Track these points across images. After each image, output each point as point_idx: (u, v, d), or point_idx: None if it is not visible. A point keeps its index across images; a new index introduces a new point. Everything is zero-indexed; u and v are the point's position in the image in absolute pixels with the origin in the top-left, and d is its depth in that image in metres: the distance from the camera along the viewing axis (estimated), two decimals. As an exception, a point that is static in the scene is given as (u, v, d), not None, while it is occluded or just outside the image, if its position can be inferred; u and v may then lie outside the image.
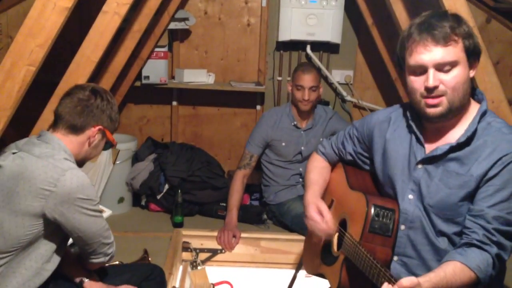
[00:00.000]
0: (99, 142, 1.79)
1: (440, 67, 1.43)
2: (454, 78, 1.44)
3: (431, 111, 1.47)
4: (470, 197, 1.48)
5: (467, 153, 1.49)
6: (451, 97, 1.45)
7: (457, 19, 1.46)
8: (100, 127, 1.74)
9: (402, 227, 1.58)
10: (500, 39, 3.35)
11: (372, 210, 1.56)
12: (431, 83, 1.43)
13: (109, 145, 1.85)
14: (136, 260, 2.36)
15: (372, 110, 3.74)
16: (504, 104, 2.28)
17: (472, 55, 1.46)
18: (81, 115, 1.69)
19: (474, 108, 1.54)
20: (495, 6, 3.18)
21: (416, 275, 1.55)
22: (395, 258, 1.60)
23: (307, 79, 2.93)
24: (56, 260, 1.69)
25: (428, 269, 1.55)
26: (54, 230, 1.64)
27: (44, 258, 1.65)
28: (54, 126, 1.72)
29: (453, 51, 1.42)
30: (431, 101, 1.46)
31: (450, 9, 2.09)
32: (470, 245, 1.43)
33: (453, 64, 1.43)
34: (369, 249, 1.49)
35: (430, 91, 1.44)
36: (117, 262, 2.18)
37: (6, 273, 1.60)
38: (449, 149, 1.50)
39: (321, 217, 1.74)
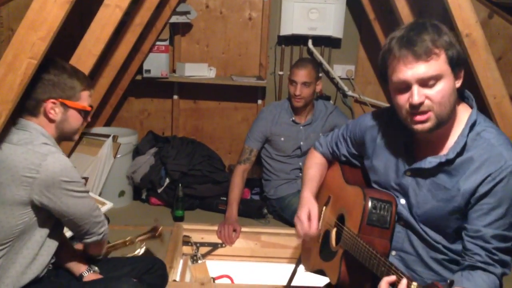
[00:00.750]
0: (65, 115, 1.69)
1: (424, 82, 1.38)
2: (439, 92, 1.39)
3: (419, 127, 1.43)
4: (459, 211, 1.47)
5: (456, 165, 1.47)
6: (438, 112, 1.40)
7: (437, 30, 1.40)
8: (52, 100, 1.66)
9: (401, 222, 1.59)
10: (502, 34, 3.33)
11: (370, 203, 1.56)
12: (416, 100, 1.38)
13: (84, 112, 1.74)
14: (146, 232, 2.33)
15: (373, 105, 3.74)
16: (506, 100, 2.28)
17: (456, 65, 1.41)
18: (28, 96, 1.64)
19: (464, 115, 1.50)
20: (498, 1, 3.16)
21: (414, 270, 1.58)
22: (393, 253, 1.61)
23: (300, 74, 2.92)
24: (52, 244, 1.69)
25: (426, 265, 1.57)
26: (45, 216, 1.63)
27: (39, 244, 1.64)
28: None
29: (436, 65, 1.37)
30: (418, 117, 1.42)
31: (453, 5, 2.10)
32: (474, 267, 1.43)
33: (437, 78, 1.38)
34: (368, 242, 1.51)
35: (415, 107, 1.40)
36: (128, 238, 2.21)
37: (6, 264, 1.60)
38: (438, 164, 1.49)
39: (308, 222, 1.77)
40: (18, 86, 1.55)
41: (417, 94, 1.38)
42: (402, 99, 1.43)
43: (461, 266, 1.47)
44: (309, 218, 1.78)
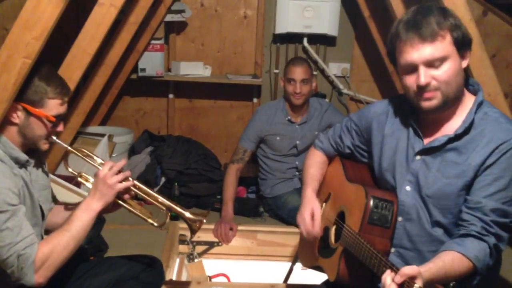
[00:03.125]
0: (27, 120, 1.56)
1: (430, 64, 1.43)
2: (445, 72, 1.44)
3: (425, 104, 1.48)
4: (468, 187, 1.49)
5: (465, 143, 1.49)
6: (445, 91, 1.45)
7: (443, 12, 1.45)
8: (15, 102, 1.54)
9: (400, 218, 1.59)
10: (496, 32, 3.35)
11: (372, 202, 1.57)
12: (422, 81, 1.43)
13: (53, 123, 1.59)
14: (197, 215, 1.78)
15: (368, 103, 3.75)
16: (501, 97, 2.29)
17: (462, 46, 1.46)
18: None
19: (469, 99, 1.54)
20: (492, -2, 3.18)
21: None
22: (392, 249, 1.61)
23: (298, 72, 2.92)
24: None
25: (424, 260, 1.55)
26: None
27: None
28: None
29: (441, 46, 1.42)
30: (426, 95, 1.46)
31: (447, 3, 2.11)
32: (468, 235, 1.44)
33: (443, 59, 1.43)
34: (368, 240, 1.50)
35: (422, 88, 1.45)
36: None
37: None
38: (447, 141, 1.51)
39: (311, 221, 1.78)
40: (13, 86, 1.54)
41: (424, 75, 1.43)
42: (410, 80, 1.48)
43: (454, 236, 1.48)
44: (312, 218, 1.79)
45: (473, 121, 1.50)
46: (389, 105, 1.71)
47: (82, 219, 1.57)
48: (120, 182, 1.63)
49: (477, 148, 1.47)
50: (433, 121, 1.55)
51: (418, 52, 1.43)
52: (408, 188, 1.59)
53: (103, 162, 1.71)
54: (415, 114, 1.59)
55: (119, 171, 1.64)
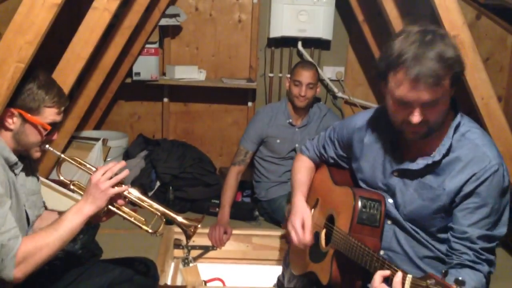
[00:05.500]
0: (22, 127, 1.56)
1: (426, 105, 1.40)
2: (438, 112, 1.42)
3: (411, 136, 1.48)
4: (444, 211, 1.51)
5: (442, 165, 1.50)
6: (432, 125, 1.44)
7: (447, 46, 1.39)
8: (11, 108, 1.54)
9: (389, 221, 1.62)
10: (490, 35, 3.36)
11: (360, 202, 1.59)
12: (415, 120, 1.41)
13: (48, 131, 1.59)
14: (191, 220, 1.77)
15: (363, 107, 3.76)
16: (494, 101, 2.30)
17: (457, 81, 1.43)
18: None
19: (450, 120, 1.53)
20: (485, 2, 3.19)
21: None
22: (381, 252, 1.63)
23: (306, 75, 2.94)
24: None
25: (413, 263, 1.59)
26: None
27: None
28: None
29: (441, 91, 1.39)
30: (413, 129, 1.45)
31: (440, 7, 2.12)
32: (463, 266, 1.46)
33: (439, 101, 1.40)
34: (358, 240, 1.52)
35: (413, 124, 1.42)
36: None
37: None
38: (425, 166, 1.52)
39: (302, 230, 1.77)
40: (6, 90, 1.55)
41: (418, 115, 1.41)
42: (400, 113, 1.45)
43: (449, 265, 1.49)
44: (303, 227, 1.78)
45: (451, 146, 1.49)
46: (371, 118, 1.72)
47: (72, 221, 1.56)
48: (113, 187, 1.61)
49: (452, 173, 1.48)
50: (414, 142, 1.54)
51: (418, 94, 1.38)
52: (390, 200, 1.61)
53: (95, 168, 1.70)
54: (395, 130, 1.56)
55: (114, 175, 1.63)
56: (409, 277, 1.26)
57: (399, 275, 1.29)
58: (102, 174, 1.60)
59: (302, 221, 1.79)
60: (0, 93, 1.54)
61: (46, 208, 1.88)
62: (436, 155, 1.50)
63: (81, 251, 2.23)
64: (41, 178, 1.91)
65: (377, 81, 1.54)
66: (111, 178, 1.61)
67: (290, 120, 3.07)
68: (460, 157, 1.47)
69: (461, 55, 1.43)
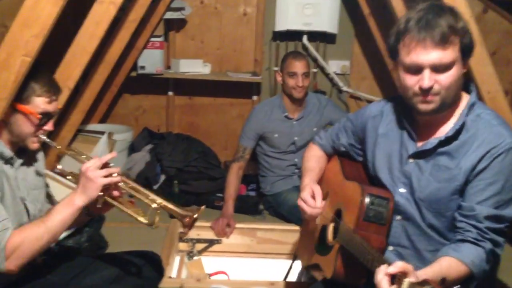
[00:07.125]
0: (14, 117, 1.56)
1: (436, 68, 1.42)
2: (448, 78, 1.42)
3: (423, 107, 1.47)
4: (460, 191, 1.49)
5: (456, 147, 1.50)
6: (444, 96, 1.44)
7: (454, 14, 1.43)
8: None
9: (398, 217, 1.60)
10: (496, 29, 3.34)
11: (367, 199, 1.57)
12: (426, 84, 1.42)
13: (40, 120, 1.58)
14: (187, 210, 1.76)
15: (368, 101, 3.74)
16: (500, 95, 2.28)
17: (467, 52, 1.45)
18: None
19: (465, 101, 1.54)
20: (492, -4, 3.18)
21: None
22: (390, 248, 1.62)
23: (300, 66, 2.92)
24: None
25: (422, 259, 1.58)
26: None
27: None
28: None
29: (451, 53, 1.40)
30: (424, 97, 1.45)
31: (447, 0, 2.10)
32: (464, 241, 1.45)
33: (449, 65, 1.42)
34: (364, 237, 1.51)
35: (424, 91, 1.43)
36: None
37: None
38: (438, 143, 1.51)
39: (312, 201, 1.75)
40: (12, 83, 1.55)
41: (428, 79, 1.42)
42: (411, 80, 1.46)
43: (451, 241, 1.49)
44: (313, 197, 1.76)
45: (464, 124, 1.49)
46: (385, 106, 1.72)
47: (62, 213, 1.54)
48: (105, 177, 1.58)
49: (468, 152, 1.47)
50: (428, 123, 1.55)
51: (427, 55, 1.40)
52: (402, 190, 1.60)
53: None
54: (410, 116, 1.59)
55: (105, 166, 1.60)
56: (405, 281, 1.25)
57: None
58: (91, 164, 1.57)
59: (311, 191, 1.76)
60: (7, 86, 1.54)
61: (54, 202, 1.88)
62: (450, 132, 1.49)
63: (87, 243, 2.24)
64: (48, 172, 1.91)
65: (393, 62, 1.55)
66: (101, 168, 1.58)
67: (286, 114, 3.06)
68: (476, 135, 1.47)
69: (470, 30, 1.44)
